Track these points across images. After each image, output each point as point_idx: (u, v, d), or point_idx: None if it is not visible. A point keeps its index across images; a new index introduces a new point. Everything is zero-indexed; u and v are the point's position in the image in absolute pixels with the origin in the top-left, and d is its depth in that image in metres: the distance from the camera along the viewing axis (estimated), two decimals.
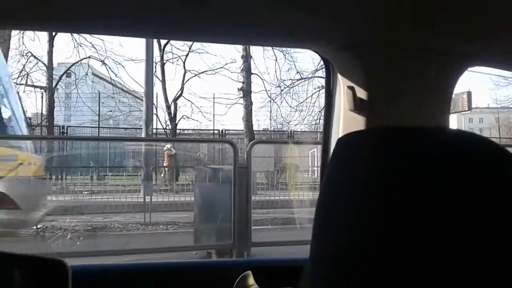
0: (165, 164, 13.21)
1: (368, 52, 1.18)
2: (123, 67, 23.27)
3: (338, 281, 0.58)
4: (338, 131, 1.32)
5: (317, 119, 16.63)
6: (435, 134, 0.60)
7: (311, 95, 16.70)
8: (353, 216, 0.57)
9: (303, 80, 16.74)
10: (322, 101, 16.31)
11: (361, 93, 1.20)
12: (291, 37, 1.21)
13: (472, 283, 0.50)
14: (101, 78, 19.16)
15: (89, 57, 16.00)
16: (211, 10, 1.01)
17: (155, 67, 14.67)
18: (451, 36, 1.17)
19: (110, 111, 19.11)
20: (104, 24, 1.11)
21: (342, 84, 1.27)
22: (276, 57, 16.31)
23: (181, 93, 16.62)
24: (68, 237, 6.26)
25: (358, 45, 1.18)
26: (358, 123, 1.21)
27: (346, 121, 1.27)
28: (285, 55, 16.36)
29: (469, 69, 1.30)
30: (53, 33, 14.76)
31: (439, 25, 1.11)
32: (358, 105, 1.20)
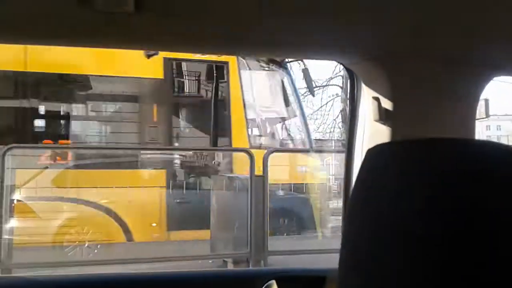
0: None
1: (393, 63, 1.18)
2: None
3: None
4: (361, 141, 1.32)
5: (331, 128, 16.56)
6: (465, 145, 0.60)
7: (326, 103, 16.63)
8: (387, 227, 0.57)
9: (318, 88, 16.66)
10: (336, 109, 16.25)
11: (387, 104, 1.20)
12: (317, 49, 1.22)
13: None
14: None
15: None
16: (237, 22, 1.02)
17: None
18: (476, 46, 1.17)
19: None
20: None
21: (367, 94, 1.27)
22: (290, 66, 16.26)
23: None
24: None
25: (384, 56, 1.18)
26: (383, 133, 1.21)
27: (371, 132, 1.27)
28: (299, 63, 16.28)
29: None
30: None
31: (464, 36, 1.11)
32: (383, 116, 1.20)
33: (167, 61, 6.89)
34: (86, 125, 7.11)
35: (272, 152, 5.89)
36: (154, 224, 6.44)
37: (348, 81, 1.37)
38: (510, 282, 0.50)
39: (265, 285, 1.30)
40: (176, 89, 7.36)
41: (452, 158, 0.56)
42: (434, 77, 1.20)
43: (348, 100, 1.41)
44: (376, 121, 1.22)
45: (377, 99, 1.22)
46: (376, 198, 0.60)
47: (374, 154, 0.64)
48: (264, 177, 5.36)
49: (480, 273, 0.50)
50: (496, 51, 1.19)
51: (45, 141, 6.48)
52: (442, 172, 0.55)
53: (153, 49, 1.27)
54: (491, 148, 0.58)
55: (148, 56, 6.42)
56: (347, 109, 1.38)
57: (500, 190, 0.53)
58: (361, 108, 1.33)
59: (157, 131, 6.98)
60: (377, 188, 0.60)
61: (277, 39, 1.13)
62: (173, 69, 7.24)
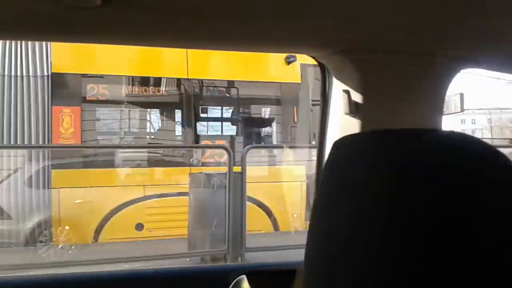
0: None
1: (363, 57, 1.19)
2: None
3: (335, 285, 0.57)
4: (333, 135, 1.32)
5: None
6: (430, 136, 0.60)
7: None
8: (351, 219, 0.57)
9: None
10: None
11: (357, 97, 1.21)
12: (287, 42, 1.21)
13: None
14: None
15: None
16: (205, 16, 1.00)
17: None
18: (444, 39, 1.18)
19: None
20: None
21: (337, 88, 1.27)
22: None
23: None
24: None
25: (354, 50, 1.18)
26: (353, 126, 1.21)
27: (341, 125, 1.27)
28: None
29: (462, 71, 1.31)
30: None
31: (432, 29, 1.12)
32: (353, 109, 1.21)
33: (303, 66, 7.51)
34: (235, 126, 7.85)
35: (250, 148, 5.89)
36: (295, 215, 7.04)
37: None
38: (484, 274, 0.50)
39: (235, 280, 1.29)
40: (311, 92, 7.85)
41: (420, 149, 0.56)
42: (402, 70, 1.20)
43: (320, 94, 1.41)
44: (347, 114, 1.23)
45: (347, 92, 1.22)
46: (342, 190, 0.59)
47: (341, 145, 0.63)
48: (242, 173, 5.35)
49: (450, 265, 0.50)
50: (462, 43, 1.20)
51: (204, 141, 7.51)
52: (409, 163, 0.54)
53: (123, 44, 1.25)
54: (459, 139, 0.58)
55: (288, 63, 7.31)
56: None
57: (468, 181, 0.53)
58: (333, 101, 1.33)
59: (297, 131, 7.70)
60: (344, 179, 0.60)
61: (247, 33, 1.12)
62: (307, 73, 7.75)
